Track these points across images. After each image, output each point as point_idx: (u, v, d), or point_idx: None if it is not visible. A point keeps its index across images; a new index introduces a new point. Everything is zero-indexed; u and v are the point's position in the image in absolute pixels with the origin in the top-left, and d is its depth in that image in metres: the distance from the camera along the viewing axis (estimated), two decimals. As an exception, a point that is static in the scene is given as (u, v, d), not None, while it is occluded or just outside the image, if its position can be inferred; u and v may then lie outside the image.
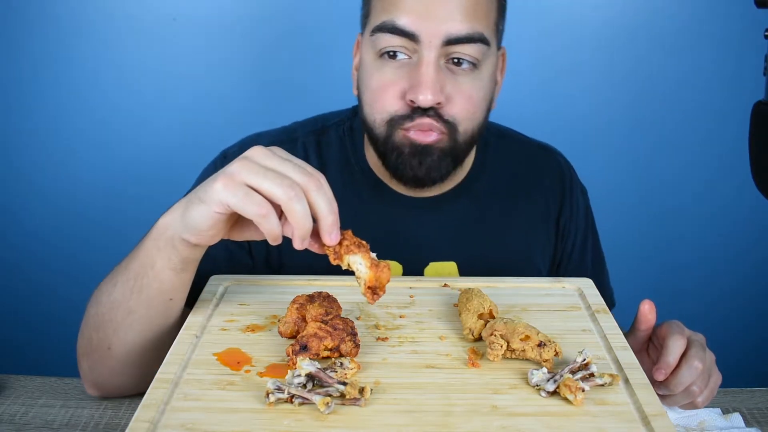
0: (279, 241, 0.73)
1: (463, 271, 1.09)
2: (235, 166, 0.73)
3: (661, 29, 1.78)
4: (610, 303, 1.20)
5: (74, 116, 1.81)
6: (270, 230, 0.72)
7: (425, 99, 0.92)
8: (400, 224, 1.08)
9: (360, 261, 0.74)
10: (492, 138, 1.14)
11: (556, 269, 1.18)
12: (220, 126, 1.77)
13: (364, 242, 0.75)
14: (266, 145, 1.10)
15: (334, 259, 0.75)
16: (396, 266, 1.07)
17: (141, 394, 0.94)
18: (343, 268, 0.75)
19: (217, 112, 1.81)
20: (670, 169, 1.88)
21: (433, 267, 1.08)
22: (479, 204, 1.11)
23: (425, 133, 0.96)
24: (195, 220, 0.75)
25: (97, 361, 0.91)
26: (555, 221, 1.15)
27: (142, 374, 0.91)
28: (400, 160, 0.98)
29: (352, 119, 1.12)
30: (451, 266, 1.09)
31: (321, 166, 1.08)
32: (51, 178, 1.86)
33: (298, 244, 0.73)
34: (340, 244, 0.74)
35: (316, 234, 0.76)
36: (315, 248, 0.77)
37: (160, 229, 0.81)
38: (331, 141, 1.11)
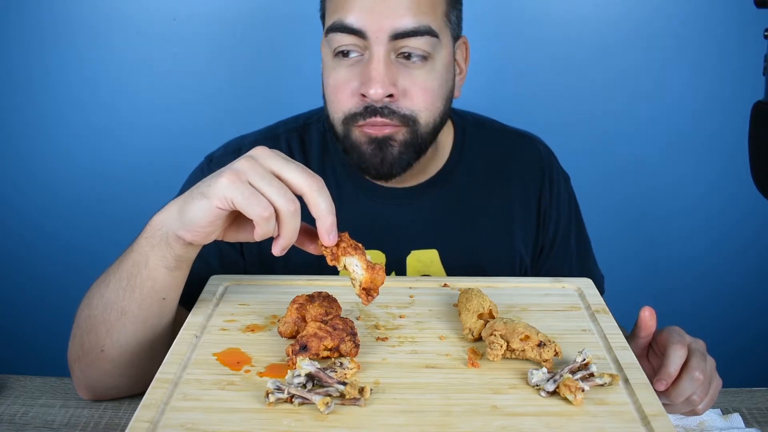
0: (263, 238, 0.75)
1: (445, 259, 1.10)
2: (241, 165, 0.73)
3: (660, 29, 1.78)
4: (600, 290, 1.20)
5: (73, 114, 1.81)
6: (265, 233, 0.74)
7: (375, 93, 0.95)
8: (381, 215, 1.10)
9: (356, 263, 0.76)
10: (470, 127, 1.16)
11: (539, 255, 1.19)
12: (220, 125, 1.77)
13: (360, 245, 0.77)
14: (250, 146, 1.11)
15: (331, 260, 0.76)
16: (379, 255, 1.09)
17: (135, 396, 0.95)
18: (339, 268, 0.77)
19: (217, 112, 1.81)
20: (668, 168, 1.88)
21: (414, 255, 1.10)
22: (458, 192, 1.13)
23: (379, 128, 0.98)
24: (194, 215, 0.76)
25: (89, 364, 0.91)
26: (535, 207, 1.16)
27: (135, 376, 0.91)
28: (361, 157, 1.01)
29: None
30: (433, 254, 1.10)
31: (304, 161, 1.11)
32: (51, 179, 1.85)
33: (277, 251, 0.75)
34: (337, 245, 0.76)
35: (313, 235, 0.77)
36: (311, 249, 0.79)
37: (154, 227, 0.81)
38: (312, 137, 1.13)
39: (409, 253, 1.10)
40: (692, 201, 1.90)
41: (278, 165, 0.73)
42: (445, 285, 0.95)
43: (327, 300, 0.81)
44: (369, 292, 0.76)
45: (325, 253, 0.76)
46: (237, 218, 0.79)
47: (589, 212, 1.26)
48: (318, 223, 0.74)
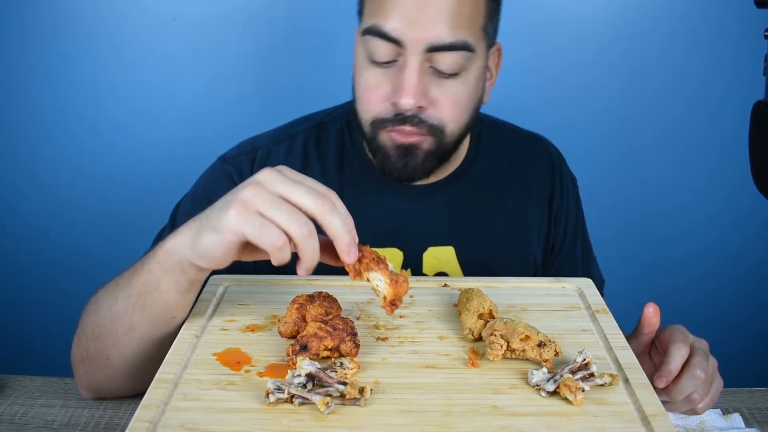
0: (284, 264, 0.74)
1: (461, 256, 1.11)
2: (248, 193, 0.71)
3: (660, 29, 1.78)
4: (602, 293, 1.21)
5: (73, 115, 1.81)
6: (281, 260, 0.72)
7: (407, 103, 0.94)
8: (398, 212, 1.10)
9: (380, 277, 0.75)
10: (486, 129, 1.18)
11: (549, 254, 1.20)
12: (221, 125, 1.77)
13: (382, 257, 0.76)
14: (266, 145, 1.11)
15: (354, 276, 0.75)
16: (396, 253, 1.09)
17: (135, 396, 0.95)
18: (362, 280, 0.76)
19: (218, 113, 1.80)
20: (669, 169, 1.88)
21: (431, 252, 1.10)
22: (474, 190, 1.13)
23: (407, 135, 0.98)
24: (207, 247, 0.74)
25: (94, 368, 0.91)
26: (547, 206, 1.18)
27: (140, 380, 0.90)
28: (386, 160, 1.01)
29: (349, 114, 1.14)
30: (449, 251, 1.11)
31: (320, 160, 1.11)
32: (52, 179, 1.85)
33: (302, 273, 0.73)
34: (359, 261, 0.74)
35: (334, 249, 0.76)
36: (334, 263, 0.77)
37: (167, 252, 0.79)
38: (329, 136, 1.13)
39: (425, 249, 1.11)
40: (692, 201, 1.90)
41: (286, 188, 0.71)
42: (445, 285, 0.95)
43: (327, 300, 0.81)
44: (393, 302, 0.76)
45: (347, 268, 0.75)
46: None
47: (589, 212, 1.26)
48: (336, 245, 0.73)
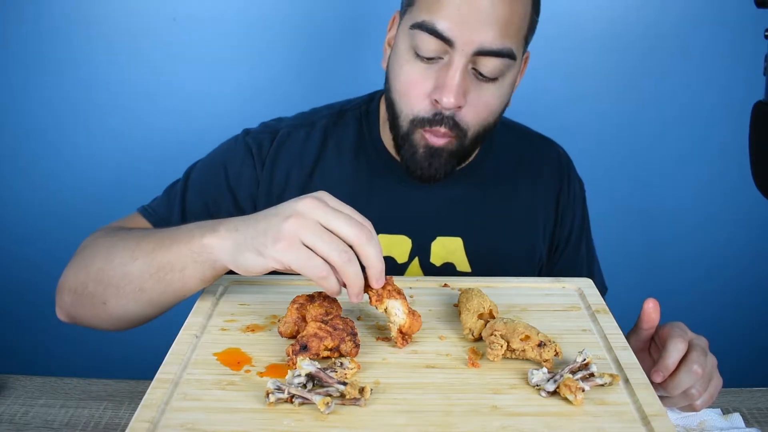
0: (339, 294, 0.77)
1: (468, 247, 1.13)
2: (293, 225, 0.74)
3: (660, 29, 1.78)
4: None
5: (71, 115, 1.81)
6: (329, 288, 0.75)
7: (449, 102, 0.96)
8: (410, 200, 1.12)
9: (399, 306, 0.78)
10: (499, 127, 1.19)
11: (553, 253, 1.21)
12: (219, 126, 1.76)
13: (401, 290, 0.79)
14: (287, 127, 1.15)
15: (375, 301, 0.78)
16: (405, 240, 1.11)
17: (133, 396, 0.95)
18: (379, 310, 0.78)
19: (216, 113, 1.81)
20: (669, 169, 1.88)
21: (439, 241, 1.12)
22: (485, 185, 1.16)
23: (438, 137, 1.00)
24: (248, 264, 0.77)
25: (84, 304, 0.93)
26: (554, 205, 1.20)
27: (126, 326, 0.95)
28: (413, 158, 1.03)
29: (369, 104, 1.17)
30: (457, 242, 1.13)
31: (337, 146, 1.14)
32: (50, 180, 1.85)
33: (354, 299, 0.76)
34: (383, 288, 0.78)
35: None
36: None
37: (204, 247, 0.82)
38: (348, 122, 1.16)
39: (434, 239, 1.12)
40: (693, 201, 1.90)
41: (327, 218, 0.74)
42: (445, 285, 0.95)
43: (327, 300, 0.81)
44: (405, 336, 0.79)
45: (369, 293, 0.78)
46: None
47: (591, 211, 1.27)
48: (368, 271, 0.76)
